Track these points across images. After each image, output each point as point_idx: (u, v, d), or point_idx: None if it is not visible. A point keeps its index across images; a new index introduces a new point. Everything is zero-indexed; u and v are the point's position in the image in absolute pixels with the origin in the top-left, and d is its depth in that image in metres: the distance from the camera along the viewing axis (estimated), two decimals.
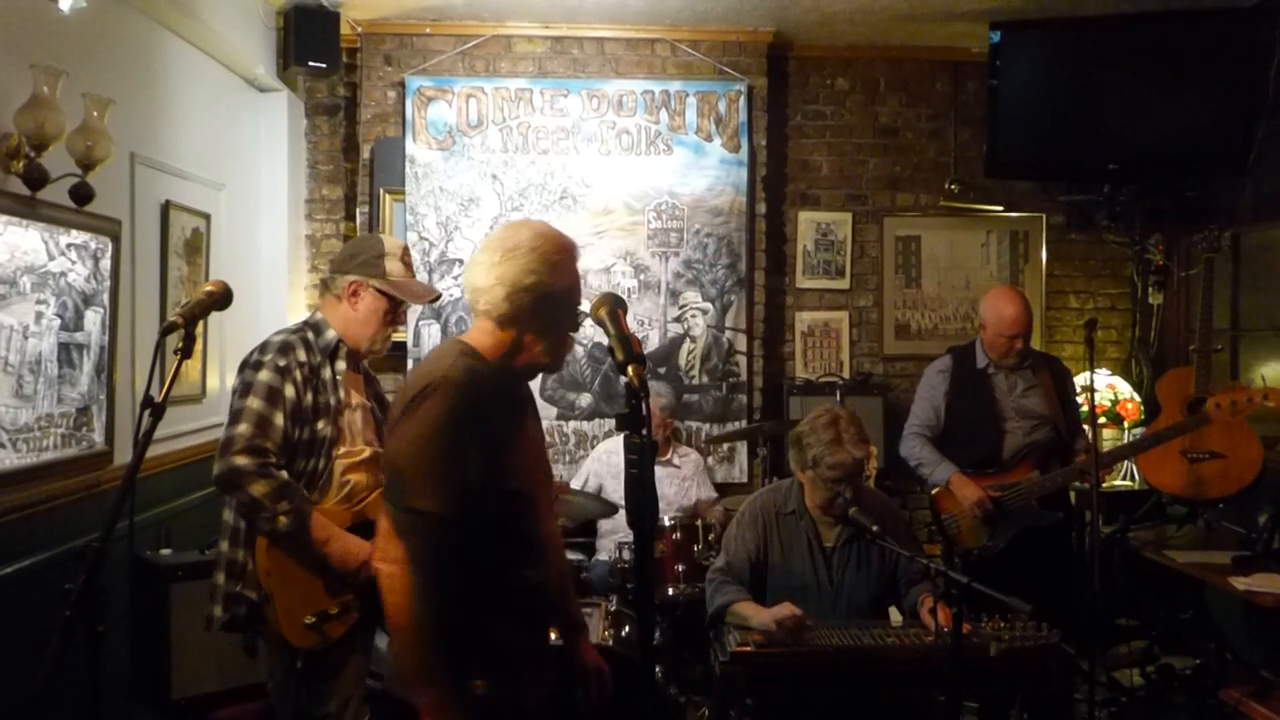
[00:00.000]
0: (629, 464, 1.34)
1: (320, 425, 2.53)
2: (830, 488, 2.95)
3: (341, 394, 2.60)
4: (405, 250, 2.70)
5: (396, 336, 5.06)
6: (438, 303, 4.88)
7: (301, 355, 2.54)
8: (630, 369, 1.33)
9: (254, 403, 2.44)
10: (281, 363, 2.50)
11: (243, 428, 2.42)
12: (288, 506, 2.39)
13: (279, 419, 2.45)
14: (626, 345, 1.37)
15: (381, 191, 5.13)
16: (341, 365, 2.62)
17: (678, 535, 3.98)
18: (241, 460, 2.39)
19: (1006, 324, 3.79)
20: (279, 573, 2.45)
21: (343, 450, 2.58)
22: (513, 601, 2.01)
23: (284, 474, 2.44)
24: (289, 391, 2.48)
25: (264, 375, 2.47)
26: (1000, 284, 5.26)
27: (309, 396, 2.52)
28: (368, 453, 2.62)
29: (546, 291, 1.94)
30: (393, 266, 2.64)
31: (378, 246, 2.66)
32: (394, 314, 2.67)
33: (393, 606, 1.91)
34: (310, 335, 2.60)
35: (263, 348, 2.55)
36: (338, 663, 2.51)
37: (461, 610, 1.90)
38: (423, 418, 1.87)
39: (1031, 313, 3.87)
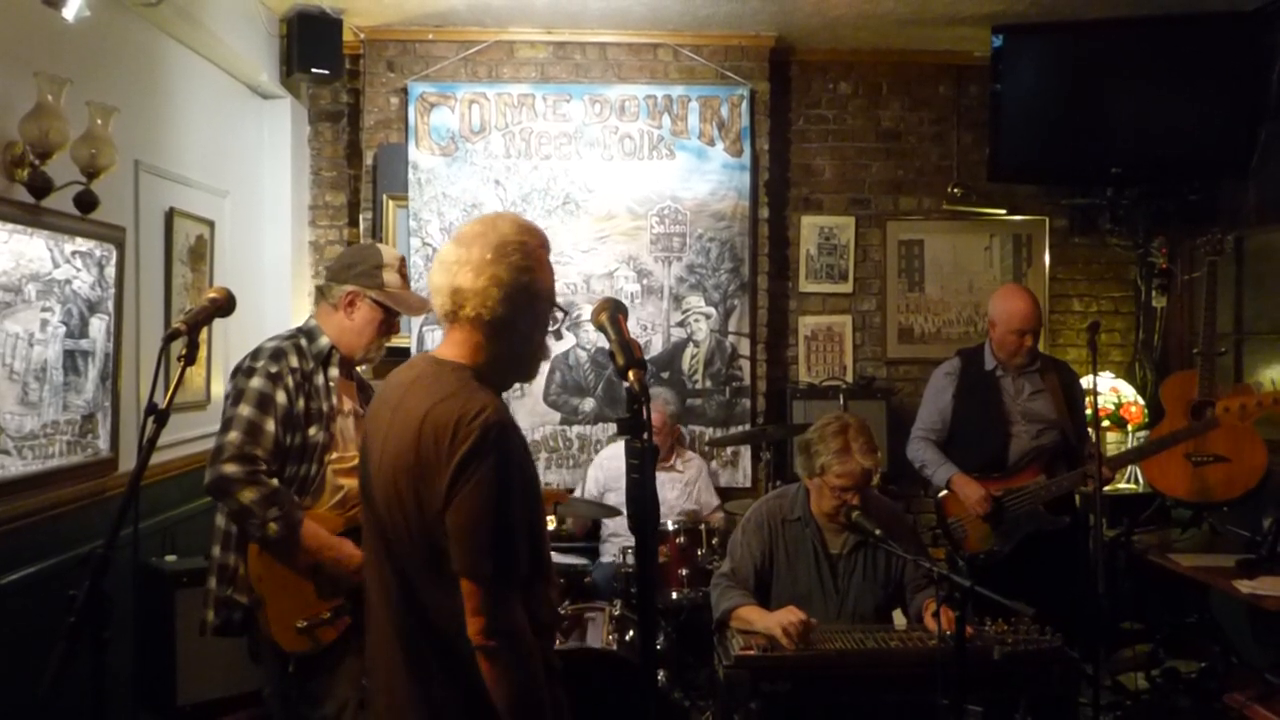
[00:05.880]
0: (630, 468, 1.35)
1: (312, 431, 2.53)
2: (838, 496, 2.94)
3: (334, 400, 2.61)
4: (402, 261, 2.71)
5: (400, 342, 5.07)
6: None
7: (294, 361, 2.55)
8: (631, 374, 1.33)
9: (245, 410, 2.45)
10: (273, 369, 2.51)
11: (233, 435, 2.43)
12: (277, 513, 2.40)
13: (270, 425, 2.46)
14: (627, 350, 1.37)
15: (384, 197, 5.14)
16: (334, 372, 2.63)
17: (681, 539, 3.97)
18: (230, 468, 2.40)
19: (1016, 319, 3.71)
20: (270, 578, 2.46)
21: (335, 456, 2.58)
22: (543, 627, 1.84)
23: (274, 481, 2.44)
24: (280, 398, 2.49)
25: (255, 382, 2.49)
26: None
27: (301, 402, 2.53)
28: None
29: (541, 290, 1.79)
30: (390, 278, 2.65)
31: (375, 257, 2.67)
32: (389, 324, 2.68)
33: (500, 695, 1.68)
34: (303, 342, 2.61)
35: (255, 354, 2.56)
36: (331, 666, 2.51)
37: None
38: (489, 475, 1.64)
39: (1040, 309, 3.83)
